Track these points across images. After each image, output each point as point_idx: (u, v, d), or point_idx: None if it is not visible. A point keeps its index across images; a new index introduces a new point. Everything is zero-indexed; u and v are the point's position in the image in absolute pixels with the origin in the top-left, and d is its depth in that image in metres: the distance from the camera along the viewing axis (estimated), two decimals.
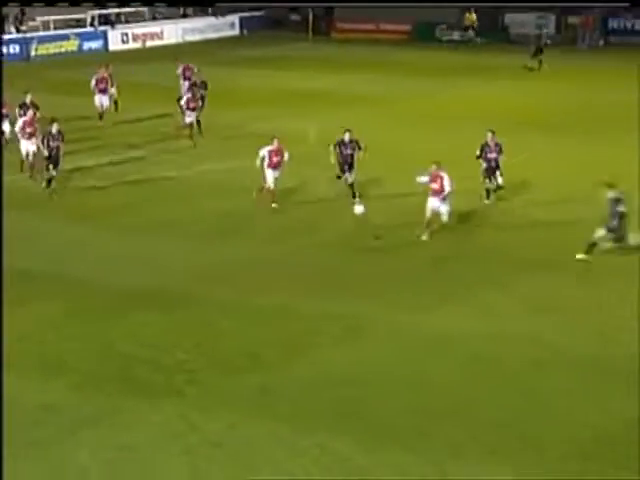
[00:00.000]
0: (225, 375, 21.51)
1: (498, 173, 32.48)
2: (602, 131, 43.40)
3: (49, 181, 34.30)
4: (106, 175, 36.80)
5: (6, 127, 38.73)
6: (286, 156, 32.71)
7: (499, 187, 32.71)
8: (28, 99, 38.73)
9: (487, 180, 32.64)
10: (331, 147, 33.19)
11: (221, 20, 79.02)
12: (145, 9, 76.33)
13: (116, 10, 74.69)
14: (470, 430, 19.09)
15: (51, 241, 30.08)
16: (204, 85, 45.74)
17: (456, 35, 75.77)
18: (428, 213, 29.38)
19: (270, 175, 32.63)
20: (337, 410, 19.92)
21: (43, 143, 34.16)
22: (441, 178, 29.14)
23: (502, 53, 68.94)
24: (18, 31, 67.63)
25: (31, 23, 69.05)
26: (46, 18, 69.16)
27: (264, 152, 32.52)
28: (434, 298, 25.33)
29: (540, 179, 35.32)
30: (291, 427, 19.24)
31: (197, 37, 76.27)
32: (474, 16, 73.36)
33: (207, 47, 72.64)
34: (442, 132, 43.44)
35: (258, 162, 32.50)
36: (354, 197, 32.59)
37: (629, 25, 73.22)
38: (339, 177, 33.34)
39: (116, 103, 46.46)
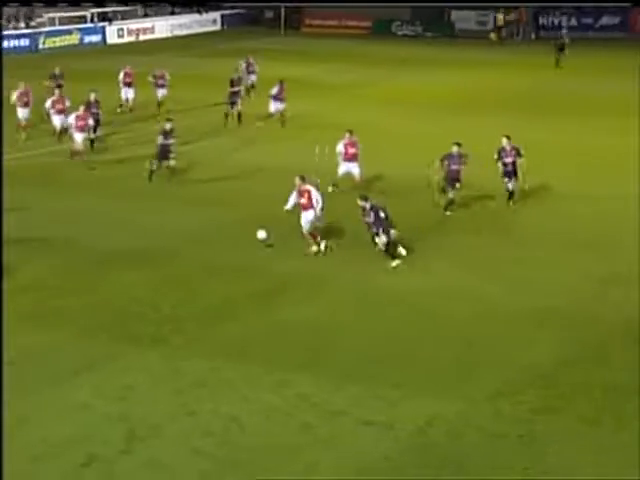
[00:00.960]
0: (207, 326, 21.69)
1: (514, 178, 29.79)
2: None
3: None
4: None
5: (57, 121, 37.41)
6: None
7: (511, 192, 30.01)
8: (93, 97, 37.42)
9: (507, 182, 29.85)
10: (437, 163, 29.22)
11: (204, 16, 78.63)
12: (138, 7, 75.75)
13: (113, 8, 74.15)
14: (412, 371, 19.35)
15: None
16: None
17: (409, 30, 75.67)
18: (306, 227, 26.02)
19: (343, 168, 30.91)
20: (301, 354, 20.16)
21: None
22: (308, 192, 25.73)
23: (447, 46, 68.95)
24: (28, 26, 67.12)
25: (39, 19, 68.54)
26: (52, 15, 68.67)
27: (340, 146, 30.77)
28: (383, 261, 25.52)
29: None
30: (264, 369, 19.48)
31: (184, 32, 75.91)
32: (502, 17, 72.11)
33: (192, 40, 72.42)
34: (401, 113, 43.50)
35: (338, 158, 30.79)
36: (446, 210, 29.29)
37: (556, 21, 73.22)
38: (443, 191, 29.51)
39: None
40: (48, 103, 37.62)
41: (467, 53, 64.93)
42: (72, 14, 69.67)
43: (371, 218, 24.89)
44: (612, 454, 16.26)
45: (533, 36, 72.78)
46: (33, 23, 67.74)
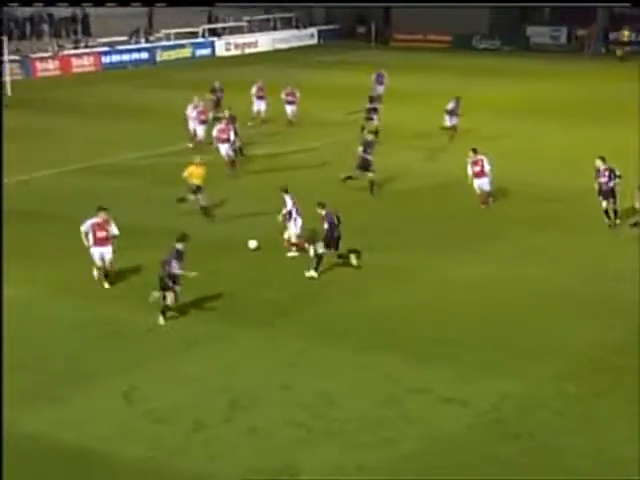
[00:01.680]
0: (304, 310, 21.93)
1: (611, 199, 27.44)
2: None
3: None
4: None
5: (201, 131, 37.15)
6: None
7: (605, 211, 27.68)
8: (227, 113, 36.04)
9: (604, 202, 27.46)
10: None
11: (303, 32, 78.89)
12: (244, 23, 76.27)
13: (221, 25, 74.85)
14: (484, 353, 19.44)
15: None
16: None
17: (488, 44, 75.01)
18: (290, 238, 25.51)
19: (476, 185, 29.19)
20: (385, 336, 20.32)
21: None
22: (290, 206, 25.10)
23: (523, 58, 68.19)
24: (147, 41, 68.10)
25: (157, 35, 69.46)
26: (168, 31, 69.51)
27: (468, 168, 29.10)
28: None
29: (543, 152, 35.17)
30: (353, 349, 19.68)
31: (284, 45, 76.21)
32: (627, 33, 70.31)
33: (292, 53, 72.64)
34: (481, 119, 43.29)
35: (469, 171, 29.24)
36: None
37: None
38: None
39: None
40: (192, 112, 37.80)
41: (541, 65, 64.10)
42: (185, 30, 70.44)
43: (326, 225, 24.05)
44: None
45: (603, 50, 71.60)
46: (152, 38, 68.67)
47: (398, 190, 31.87)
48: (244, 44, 73.54)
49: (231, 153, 33.72)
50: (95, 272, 22.99)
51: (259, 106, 42.40)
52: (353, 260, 24.32)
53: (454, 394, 17.65)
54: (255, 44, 74.37)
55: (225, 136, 33.75)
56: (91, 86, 55.46)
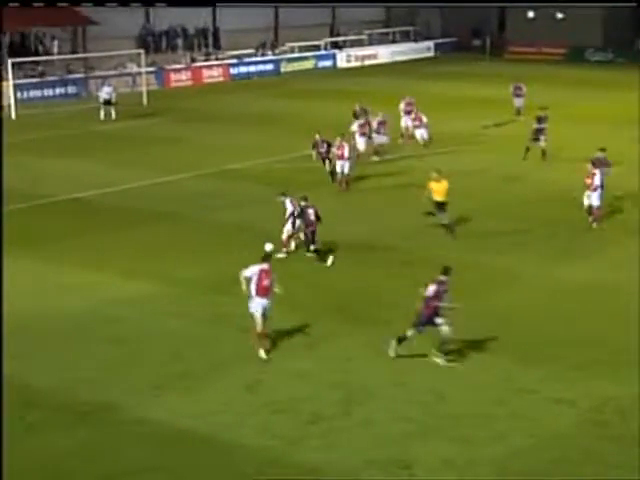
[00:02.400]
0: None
1: None
2: None
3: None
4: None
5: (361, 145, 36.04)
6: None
7: None
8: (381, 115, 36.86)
9: None
10: None
11: (420, 45, 78.65)
12: (365, 37, 76.44)
13: (343, 38, 75.18)
14: (589, 355, 19.10)
15: None
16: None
17: (600, 56, 73.46)
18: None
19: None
20: (496, 337, 20.02)
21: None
22: None
23: (635, 71, 66.47)
24: (272, 54, 68.88)
25: (282, 48, 70.18)
26: (292, 44, 70.18)
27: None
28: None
29: None
30: (465, 349, 19.48)
31: (402, 57, 76.06)
32: None
33: (410, 65, 72.44)
34: (593, 129, 42.47)
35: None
36: None
37: None
38: None
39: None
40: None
41: None
42: (309, 43, 70.99)
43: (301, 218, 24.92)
44: None
45: None
46: (277, 51, 69.45)
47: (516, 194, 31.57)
48: (364, 56, 73.68)
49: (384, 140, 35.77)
50: (256, 332, 19.24)
51: (407, 122, 39.75)
52: (329, 261, 24.55)
53: (561, 394, 17.36)
54: (375, 56, 74.44)
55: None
56: (220, 95, 56.38)
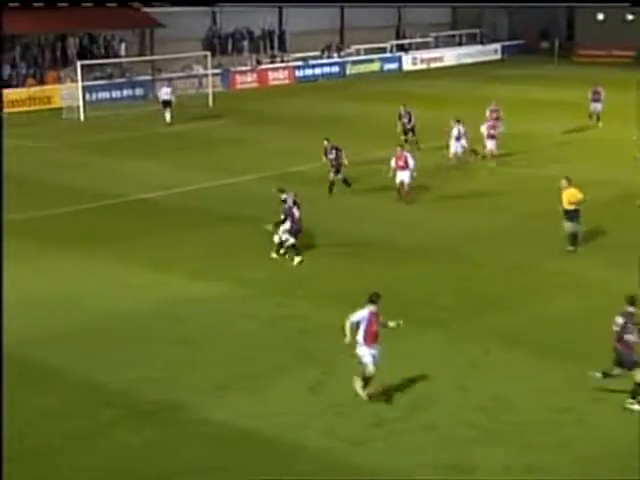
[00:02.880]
0: (480, 314, 21.82)
1: None
2: None
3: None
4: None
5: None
6: None
7: None
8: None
9: None
10: None
11: (487, 47, 78.26)
12: (431, 39, 76.31)
13: (408, 40, 75.15)
14: None
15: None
16: None
17: None
18: None
19: None
20: (562, 343, 19.94)
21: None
22: None
23: None
24: (338, 56, 69.08)
25: (347, 50, 70.37)
26: (358, 47, 70.32)
27: None
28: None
29: None
30: (532, 354, 19.44)
31: (469, 60, 75.73)
32: None
33: (476, 68, 72.16)
34: None
35: None
36: None
37: None
38: None
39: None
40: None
41: None
42: (374, 45, 71.09)
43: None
44: None
45: None
46: (343, 53, 69.66)
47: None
48: (430, 59, 73.56)
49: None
50: (362, 387, 17.51)
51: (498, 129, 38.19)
52: (295, 260, 24.81)
53: (627, 403, 17.19)
54: (441, 59, 74.26)
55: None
56: (286, 98, 56.73)
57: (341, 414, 17.01)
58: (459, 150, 36.11)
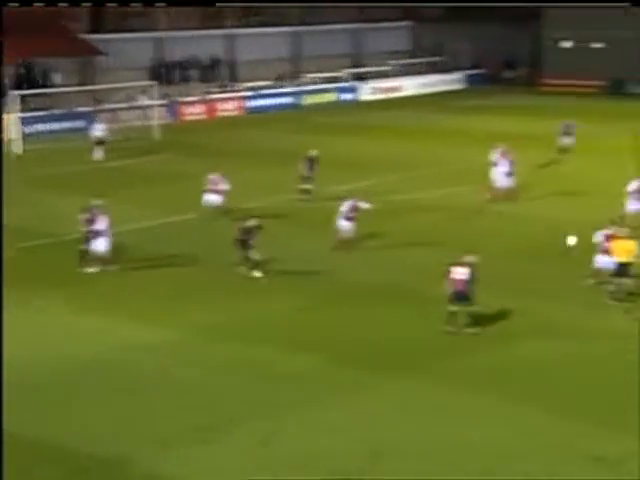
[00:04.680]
0: (446, 359, 21.85)
1: None
2: None
3: None
4: None
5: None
6: None
7: None
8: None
9: None
10: None
11: (448, 76, 79.05)
12: (389, 68, 76.91)
13: (365, 69, 75.75)
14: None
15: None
16: None
17: None
18: None
19: None
20: (527, 388, 20.02)
21: None
22: None
23: None
24: (292, 85, 69.36)
25: (302, 79, 70.75)
26: (313, 75, 70.73)
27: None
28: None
29: None
30: (497, 400, 19.47)
31: (430, 89, 76.41)
32: None
33: (438, 98, 72.62)
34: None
35: None
36: None
37: None
38: None
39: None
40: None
41: None
42: (330, 75, 71.52)
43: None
44: None
45: None
46: (296, 82, 70.04)
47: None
48: (388, 88, 74.11)
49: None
50: None
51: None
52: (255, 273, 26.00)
53: (600, 452, 17.28)
54: (399, 88, 74.80)
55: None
56: (236, 130, 56.79)
57: (295, 468, 16.83)
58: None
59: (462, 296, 22.88)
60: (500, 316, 24.24)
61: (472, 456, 17.21)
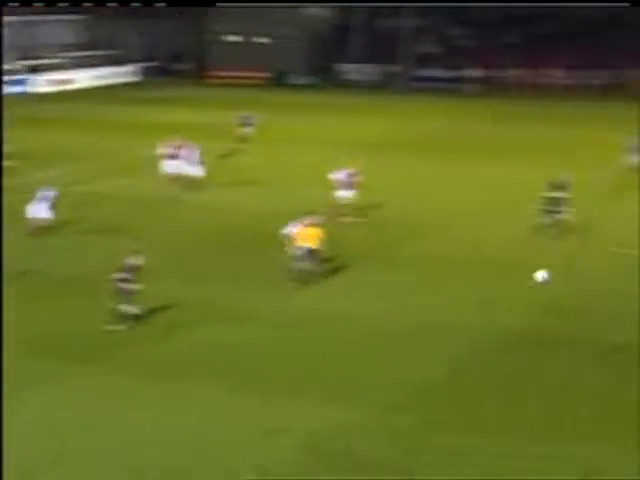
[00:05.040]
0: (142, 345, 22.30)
1: None
2: None
3: None
4: None
5: None
6: None
7: None
8: None
9: None
10: None
11: (123, 68, 79.73)
12: (62, 60, 76.46)
13: (38, 62, 75.06)
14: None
15: None
16: None
17: (304, 80, 78.09)
18: None
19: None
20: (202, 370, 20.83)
21: None
22: None
23: (336, 94, 71.11)
24: None
25: None
26: None
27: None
28: None
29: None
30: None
31: (105, 82, 76.65)
32: None
33: (114, 90, 72.87)
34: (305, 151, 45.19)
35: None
36: None
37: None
38: None
39: None
40: None
41: (352, 100, 67.13)
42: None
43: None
44: None
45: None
46: None
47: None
48: (61, 80, 73.64)
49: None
50: None
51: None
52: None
53: (278, 424, 17.85)
54: (72, 81, 74.40)
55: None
56: None
57: None
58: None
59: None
60: (179, 305, 24.31)
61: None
